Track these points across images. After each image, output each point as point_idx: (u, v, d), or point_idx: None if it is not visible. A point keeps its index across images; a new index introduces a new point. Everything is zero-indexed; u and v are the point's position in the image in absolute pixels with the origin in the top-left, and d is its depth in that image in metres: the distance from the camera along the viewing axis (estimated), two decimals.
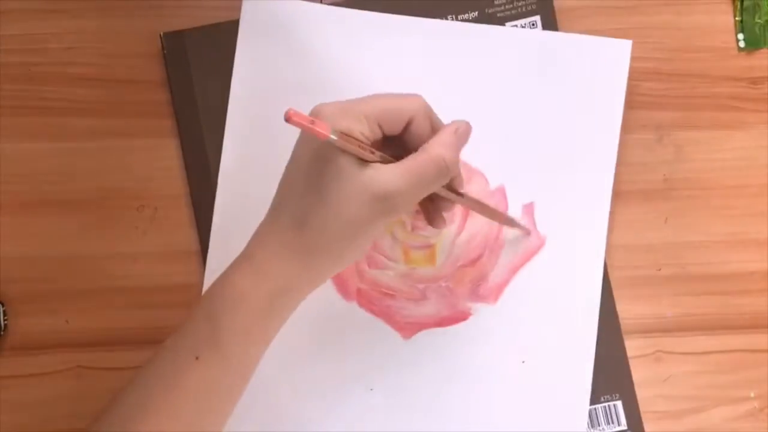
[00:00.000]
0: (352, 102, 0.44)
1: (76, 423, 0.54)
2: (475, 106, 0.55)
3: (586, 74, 0.55)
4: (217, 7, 0.56)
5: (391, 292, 0.55)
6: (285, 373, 0.54)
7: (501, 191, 0.55)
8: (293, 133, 0.53)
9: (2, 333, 0.54)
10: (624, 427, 0.54)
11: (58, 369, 0.55)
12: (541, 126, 0.55)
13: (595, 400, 0.54)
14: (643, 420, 0.55)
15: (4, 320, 0.55)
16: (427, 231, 0.55)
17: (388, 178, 0.42)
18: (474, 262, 0.55)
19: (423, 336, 0.55)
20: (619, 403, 0.55)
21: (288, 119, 0.39)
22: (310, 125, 0.40)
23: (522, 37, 0.56)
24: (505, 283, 0.55)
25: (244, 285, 0.44)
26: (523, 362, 0.54)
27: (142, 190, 0.56)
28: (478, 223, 0.55)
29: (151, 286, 0.55)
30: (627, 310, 0.55)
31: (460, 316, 0.55)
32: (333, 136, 0.40)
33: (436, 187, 0.45)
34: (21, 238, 0.55)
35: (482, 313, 0.55)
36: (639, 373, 0.55)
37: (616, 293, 0.55)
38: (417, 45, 0.56)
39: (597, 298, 0.54)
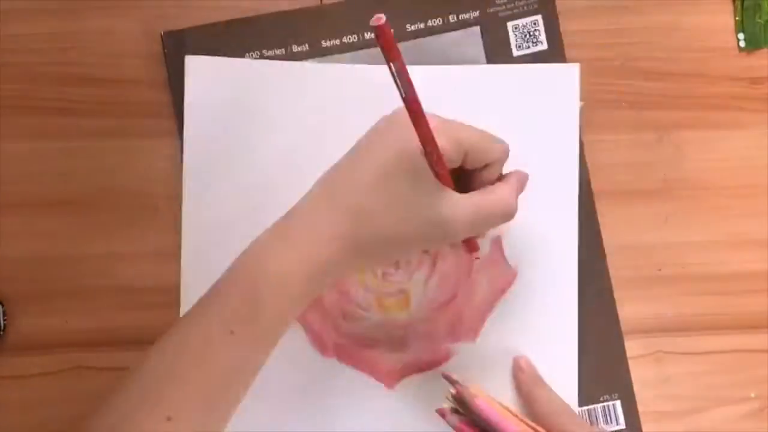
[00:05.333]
0: (451, 122, 0.44)
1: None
2: None
3: (536, 103, 0.55)
4: (217, 7, 0.56)
5: (369, 343, 0.54)
6: None
7: None
8: (252, 175, 0.54)
9: (2, 333, 0.54)
10: (622, 426, 0.55)
11: (58, 369, 0.55)
12: None
13: (594, 399, 0.55)
14: (644, 420, 0.55)
15: (4, 320, 0.54)
16: (398, 276, 0.54)
17: (457, 206, 0.43)
18: (448, 302, 0.55)
19: (407, 383, 0.54)
20: (617, 403, 0.55)
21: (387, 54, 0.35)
22: (403, 72, 0.36)
23: (467, 74, 0.55)
24: (483, 319, 0.54)
25: (288, 268, 0.43)
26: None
27: (142, 190, 0.56)
28: (448, 263, 0.55)
29: (151, 286, 0.55)
30: (627, 310, 0.55)
31: (442, 358, 0.54)
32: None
33: (492, 227, 0.47)
34: (21, 238, 0.55)
35: (464, 352, 0.54)
36: (639, 373, 0.55)
37: (616, 294, 0.55)
38: (362, 91, 0.54)
39: (574, 321, 0.54)
